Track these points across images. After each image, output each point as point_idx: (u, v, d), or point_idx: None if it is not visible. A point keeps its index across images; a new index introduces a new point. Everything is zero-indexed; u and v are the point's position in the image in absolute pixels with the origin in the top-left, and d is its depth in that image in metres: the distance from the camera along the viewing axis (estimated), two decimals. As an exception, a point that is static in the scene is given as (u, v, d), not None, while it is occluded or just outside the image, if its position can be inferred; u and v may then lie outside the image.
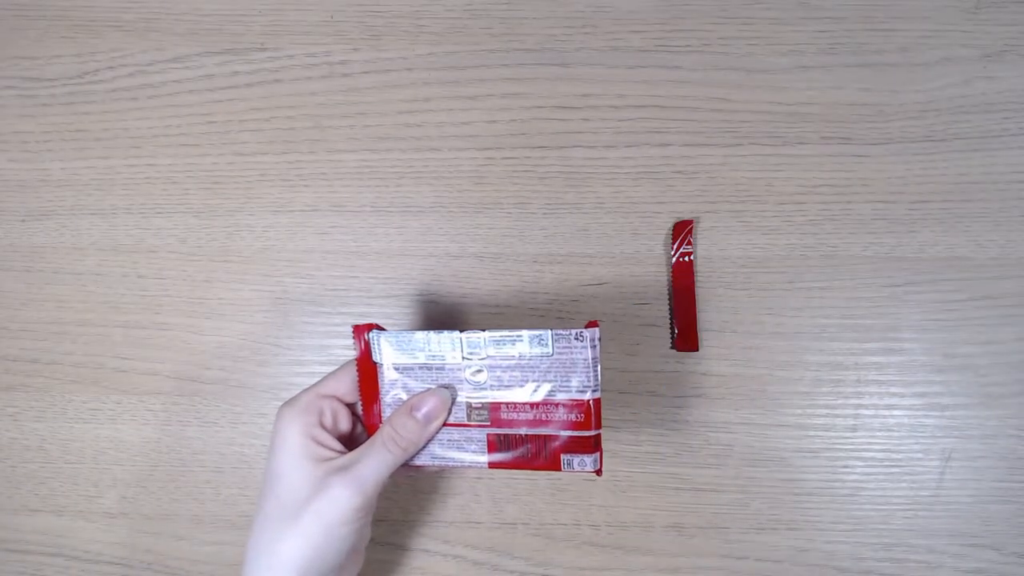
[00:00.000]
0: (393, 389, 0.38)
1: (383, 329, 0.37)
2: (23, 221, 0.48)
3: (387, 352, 0.37)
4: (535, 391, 0.36)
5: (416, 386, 0.37)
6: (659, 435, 0.46)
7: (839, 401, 0.45)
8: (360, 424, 0.39)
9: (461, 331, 0.36)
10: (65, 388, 0.48)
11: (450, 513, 0.47)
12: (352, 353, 0.38)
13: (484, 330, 0.36)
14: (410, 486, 0.47)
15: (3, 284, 0.48)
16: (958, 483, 0.45)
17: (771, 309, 0.45)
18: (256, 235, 0.47)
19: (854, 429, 0.45)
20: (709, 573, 0.45)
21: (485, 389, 0.37)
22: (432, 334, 0.37)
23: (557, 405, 0.36)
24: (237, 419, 0.47)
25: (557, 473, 0.37)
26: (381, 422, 0.38)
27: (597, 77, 0.46)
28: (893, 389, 0.45)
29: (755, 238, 0.45)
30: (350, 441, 0.39)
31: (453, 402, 0.37)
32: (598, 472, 0.37)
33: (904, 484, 0.45)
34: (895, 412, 0.45)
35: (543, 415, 0.36)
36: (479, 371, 0.37)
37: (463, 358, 0.37)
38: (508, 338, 0.36)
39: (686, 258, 0.45)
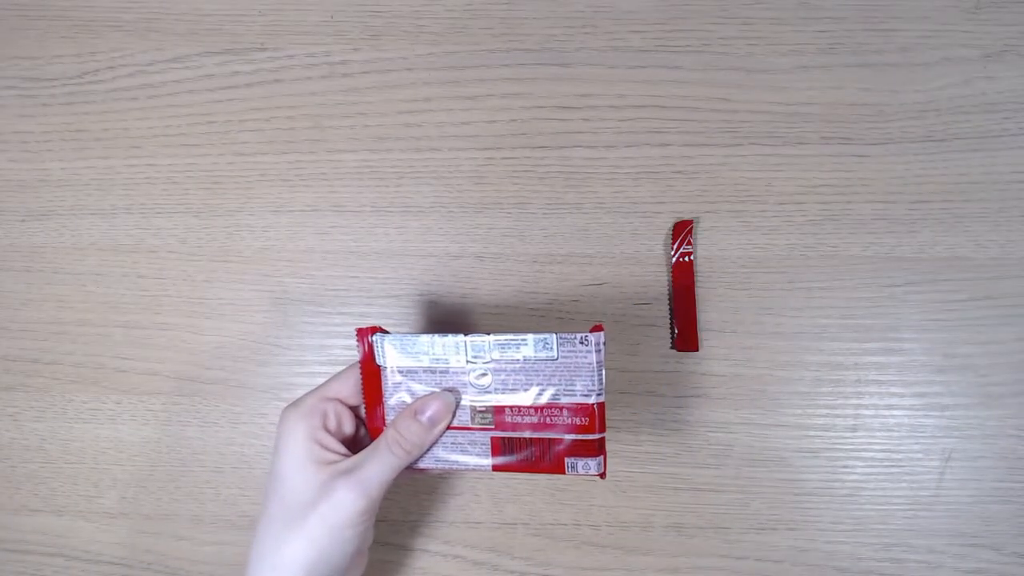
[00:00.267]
0: (397, 392, 0.38)
1: (387, 332, 0.37)
2: (23, 221, 0.48)
3: (391, 355, 0.37)
4: (539, 395, 0.36)
5: (420, 389, 0.37)
6: (659, 435, 0.46)
7: (839, 401, 0.45)
8: (363, 427, 0.39)
9: (465, 334, 0.36)
10: (65, 388, 0.48)
11: (450, 513, 0.47)
12: (355, 355, 0.38)
13: (489, 333, 0.36)
14: (410, 486, 0.47)
15: (3, 284, 0.48)
16: (958, 483, 0.45)
17: (771, 309, 0.45)
18: (256, 235, 0.47)
19: (854, 429, 0.45)
20: (709, 573, 0.45)
21: (489, 392, 0.37)
22: (436, 337, 0.37)
23: (561, 409, 0.36)
24: (237, 419, 0.47)
25: (561, 475, 0.37)
26: (385, 425, 0.38)
27: (597, 77, 0.46)
28: (893, 389, 0.45)
29: (755, 238, 0.45)
30: (354, 444, 0.39)
31: (457, 405, 0.37)
32: (602, 475, 0.37)
33: (904, 484, 0.45)
34: (895, 412, 0.45)
35: (547, 418, 0.36)
36: (483, 375, 0.37)
37: (467, 361, 0.37)
38: (513, 342, 0.36)
39: (686, 258, 0.45)
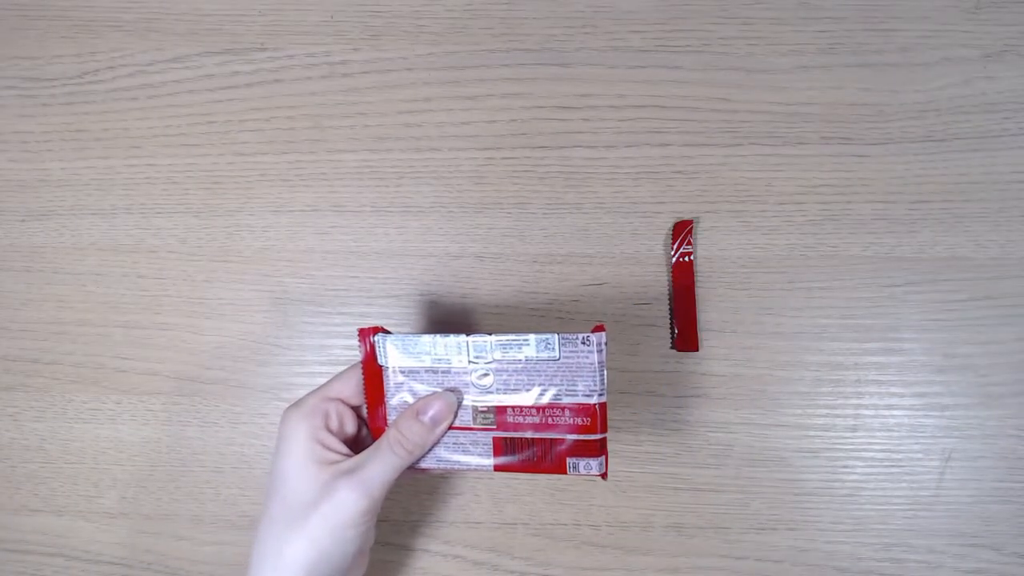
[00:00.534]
0: (399, 392, 0.38)
1: (388, 332, 0.37)
2: (23, 221, 0.48)
3: (392, 355, 0.37)
4: (541, 395, 0.36)
5: (422, 389, 0.37)
6: (659, 435, 0.46)
7: (839, 401, 0.45)
8: (365, 427, 0.39)
9: (467, 335, 0.36)
10: (65, 388, 0.48)
11: (450, 513, 0.47)
12: (356, 355, 0.38)
13: (491, 334, 0.36)
14: (411, 486, 0.47)
15: (3, 284, 0.48)
16: (958, 483, 0.45)
17: (771, 309, 0.45)
18: (256, 235, 0.47)
19: (854, 429, 0.45)
20: (709, 573, 0.45)
21: (491, 393, 0.37)
22: (438, 337, 0.37)
23: (563, 409, 0.36)
24: (237, 419, 0.47)
25: (562, 475, 0.37)
26: (387, 425, 0.38)
27: (597, 77, 0.46)
28: (893, 389, 0.45)
29: (755, 238, 0.45)
30: (355, 444, 0.39)
31: (459, 405, 0.37)
32: (603, 476, 0.37)
33: (904, 484, 0.45)
34: (895, 412, 0.45)
35: (549, 419, 0.36)
36: (485, 375, 0.37)
37: (469, 362, 0.37)
38: (515, 342, 0.36)
39: (686, 258, 0.45)
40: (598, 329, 0.35)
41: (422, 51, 0.47)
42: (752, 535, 0.45)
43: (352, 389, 0.38)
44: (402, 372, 0.37)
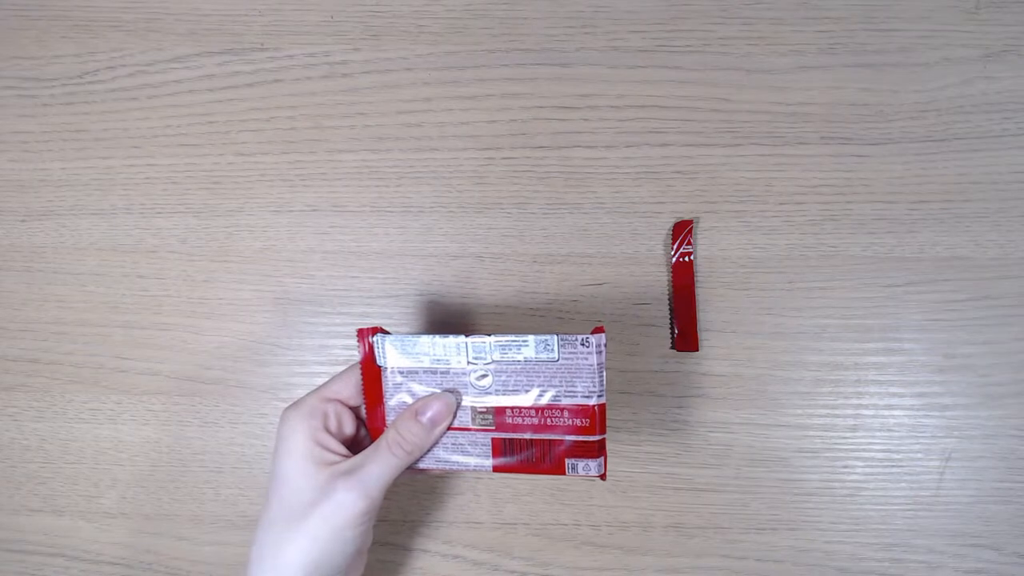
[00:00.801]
0: (397, 393, 0.38)
1: (387, 333, 0.37)
2: (23, 221, 0.48)
3: (391, 356, 0.37)
4: (540, 396, 0.36)
5: (420, 390, 0.37)
6: (659, 435, 0.46)
7: (839, 401, 0.45)
8: (364, 428, 0.39)
9: (466, 335, 0.36)
10: (65, 388, 0.48)
11: (450, 513, 0.47)
12: (355, 355, 0.38)
13: (490, 335, 0.36)
14: (410, 486, 0.47)
15: (3, 284, 0.48)
16: (958, 483, 0.45)
17: (771, 309, 0.45)
18: (256, 235, 0.47)
19: (854, 429, 0.45)
20: (709, 573, 0.45)
21: (490, 394, 0.37)
22: (437, 338, 0.36)
23: (562, 410, 0.36)
24: (237, 419, 0.47)
25: (561, 476, 0.37)
26: (385, 426, 0.38)
27: (597, 77, 0.46)
28: (893, 389, 0.45)
29: (755, 238, 0.45)
30: (354, 445, 0.39)
31: (458, 406, 0.37)
32: (602, 477, 0.37)
33: (904, 484, 0.45)
34: (895, 412, 0.45)
35: (548, 420, 0.36)
36: (484, 376, 0.37)
37: (468, 363, 0.37)
38: (514, 343, 0.36)
39: (686, 258, 0.45)
40: (598, 331, 0.35)
41: (422, 51, 0.47)
42: (752, 535, 0.45)
43: (351, 390, 0.38)
44: (401, 373, 0.37)
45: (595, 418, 0.36)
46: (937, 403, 0.45)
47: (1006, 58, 0.45)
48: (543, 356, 0.36)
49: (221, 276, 0.47)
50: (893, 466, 0.45)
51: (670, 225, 0.46)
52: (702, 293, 0.45)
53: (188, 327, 0.47)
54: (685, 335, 0.45)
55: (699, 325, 0.45)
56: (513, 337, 0.36)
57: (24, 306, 0.48)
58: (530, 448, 0.37)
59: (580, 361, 0.35)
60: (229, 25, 0.47)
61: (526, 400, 0.36)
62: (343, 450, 0.36)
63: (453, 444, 0.38)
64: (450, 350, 0.36)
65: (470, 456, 0.38)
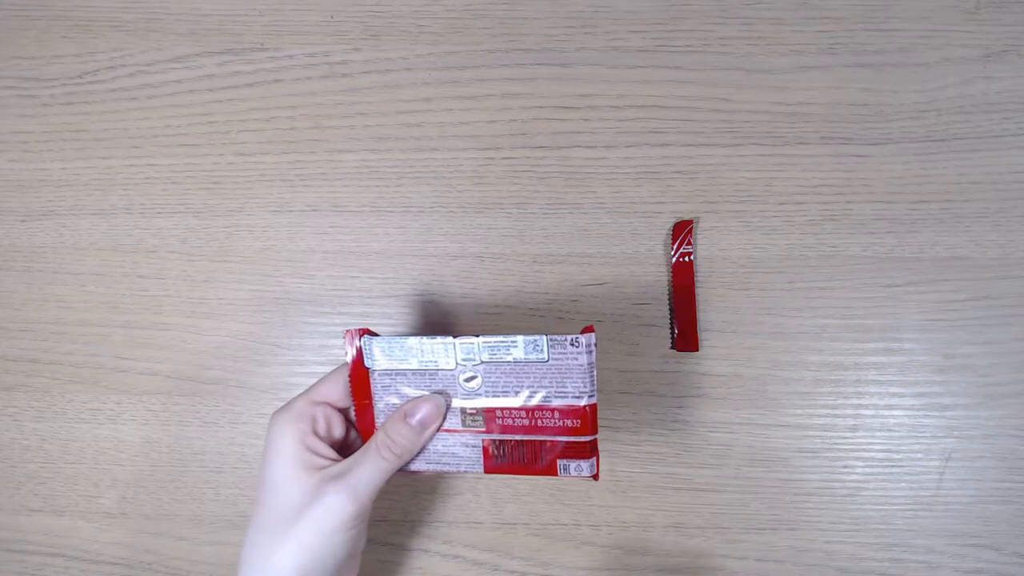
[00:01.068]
0: (386, 395, 0.37)
1: (375, 334, 0.37)
2: (23, 221, 0.48)
3: (379, 358, 0.37)
4: (530, 397, 0.36)
5: (410, 392, 0.37)
6: (659, 435, 0.46)
7: (839, 401, 0.45)
8: (354, 430, 0.39)
9: (454, 336, 0.36)
10: (65, 388, 0.48)
11: (450, 513, 0.47)
12: (344, 356, 0.38)
13: (478, 335, 0.36)
14: (409, 487, 0.47)
15: (3, 284, 0.48)
16: (958, 483, 0.45)
17: (771, 309, 0.45)
18: (256, 235, 0.47)
19: (854, 429, 0.45)
20: (709, 573, 0.45)
21: (479, 395, 0.37)
22: (425, 340, 0.36)
23: (552, 411, 0.36)
24: (237, 419, 0.47)
25: (554, 477, 0.37)
26: (375, 428, 0.38)
27: (597, 77, 0.46)
28: (893, 389, 0.45)
29: (755, 238, 0.45)
30: (344, 447, 0.38)
31: (448, 408, 0.37)
32: (595, 477, 0.37)
33: (904, 484, 0.45)
34: (895, 412, 0.45)
35: (538, 420, 0.36)
36: (473, 377, 0.36)
37: (457, 364, 0.36)
38: (502, 344, 0.36)
39: (686, 258, 0.45)
40: (587, 330, 0.35)
41: (422, 51, 0.47)
42: (752, 535, 0.45)
43: (339, 392, 0.38)
44: (389, 374, 0.37)
45: (586, 418, 0.36)
46: (937, 403, 0.45)
47: (1006, 58, 0.45)
48: (532, 357, 0.35)
49: (221, 276, 0.47)
50: (893, 466, 0.45)
51: (670, 225, 0.46)
52: (702, 293, 0.45)
53: (188, 327, 0.47)
54: (685, 335, 0.45)
55: (699, 325, 0.45)
56: (502, 338, 0.36)
57: (24, 306, 0.48)
58: (521, 449, 0.37)
59: (570, 361, 0.35)
60: (229, 25, 0.47)
61: (516, 401, 0.36)
62: (332, 454, 0.36)
63: (444, 445, 0.37)
64: (438, 351, 0.36)
65: (462, 457, 0.37)
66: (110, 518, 0.48)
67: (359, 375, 0.37)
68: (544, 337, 0.35)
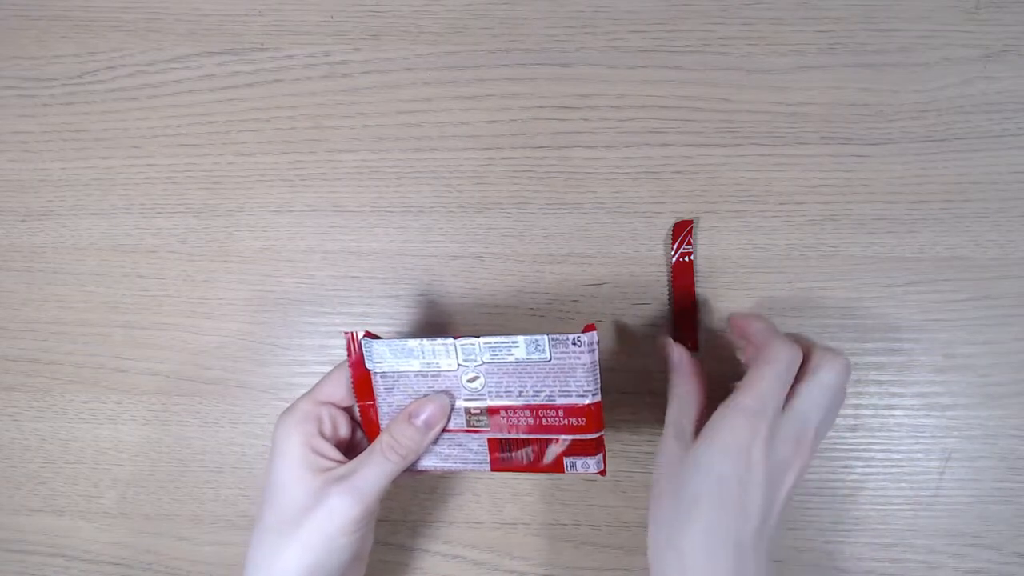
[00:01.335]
0: (389, 397, 0.37)
1: (376, 336, 0.37)
2: (23, 221, 0.48)
3: (381, 360, 0.37)
4: (534, 396, 0.36)
5: (412, 393, 0.37)
6: (659, 435, 0.45)
7: (839, 401, 0.45)
8: (360, 429, 0.39)
9: (456, 337, 0.36)
10: (65, 388, 0.48)
11: (450, 513, 0.47)
12: (345, 356, 0.38)
13: (479, 336, 0.36)
14: (410, 486, 0.47)
15: (3, 284, 0.48)
16: (958, 483, 0.45)
17: (771, 309, 0.45)
18: (256, 235, 0.47)
19: (854, 429, 0.45)
20: (709, 573, 0.45)
21: (483, 395, 0.37)
22: (426, 341, 0.36)
23: (557, 409, 0.36)
24: (237, 419, 0.47)
25: (561, 474, 0.37)
26: (379, 429, 0.38)
27: (597, 77, 0.46)
28: (893, 389, 0.45)
29: (755, 238, 0.45)
30: (350, 447, 0.38)
31: (452, 408, 0.37)
32: (602, 473, 0.37)
33: (904, 484, 0.45)
34: (895, 412, 0.45)
35: (543, 419, 0.36)
36: (476, 377, 0.36)
37: (459, 364, 0.36)
38: (504, 344, 0.36)
39: (686, 258, 0.45)
40: (589, 328, 0.35)
41: (422, 51, 0.47)
42: (752, 535, 0.45)
43: (342, 391, 0.38)
44: (392, 376, 0.37)
45: (591, 416, 0.36)
46: (937, 403, 0.45)
47: (1006, 58, 0.45)
48: (534, 357, 0.35)
49: (221, 276, 0.47)
50: (893, 466, 0.45)
51: (670, 225, 0.46)
52: (702, 293, 0.45)
53: (188, 327, 0.47)
54: (685, 335, 0.45)
55: (699, 325, 0.45)
56: (503, 338, 0.35)
57: (24, 306, 0.48)
58: (527, 447, 0.37)
59: (573, 360, 0.35)
60: (229, 25, 0.47)
61: (519, 401, 0.36)
62: (338, 455, 0.36)
63: (450, 445, 0.38)
64: (439, 352, 0.36)
65: (468, 457, 0.38)
66: (110, 518, 0.48)
67: (361, 377, 0.37)
68: (546, 337, 0.35)
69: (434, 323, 0.46)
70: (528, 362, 0.36)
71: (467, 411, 0.37)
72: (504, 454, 0.37)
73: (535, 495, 0.46)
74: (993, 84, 0.45)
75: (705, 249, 0.45)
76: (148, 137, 0.48)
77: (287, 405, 0.38)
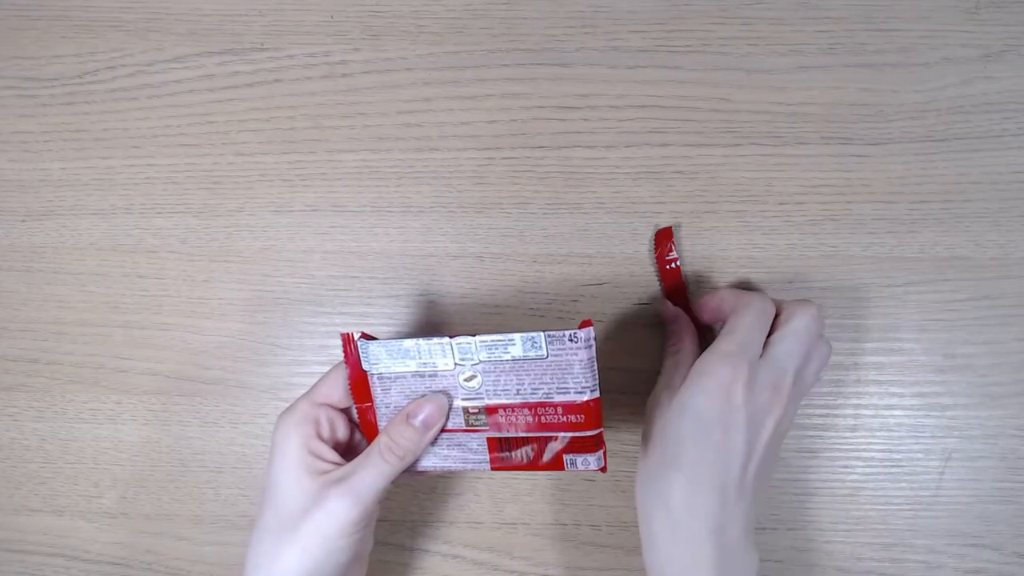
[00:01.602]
0: (386, 398, 0.37)
1: (372, 338, 0.37)
2: (23, 221, 0.48)
3: (377, 361, 0.37)
4: (532, 394, 0.36)
5: (410, 394, 0.37)
6: (659, 435, 0.45)
7: (839, 401, 0.45)
8: (358, 430, 0.39)
9: (452, 336, 0.36)
10: (65, 388, 0.48)
11: (450, 513, 0.47)
12: (342, 357, 0.38)
13: (475, 335, 0.36)
14: (410, 486, 0.47)
15: (3, 284, 0.48)
16: (958, 483, 0.45)
17: (771, 309, 0.45)
18: (256, 235, 0.47)
19: (854, 429, 0.45)
20: (709, 573, 0.45)
21: (480, 394, 0.36)
22: (422, 341, 0.36)
23: (555, 407, 0.36)
24: (237, 419, 0.47)
25: (560, 472, 0.37)
26: (377, 430, 0.38)
27: (597, 77, 0.46)
28: (893, 389, 0.45)
29: (755, 238, 0.45)
30: (349, 449, 0.38)
31: (450, 407, 0.37)
32: (603, 469, 0.37)
33: (904, 484, 0.45)
34: (895, 412, 0.45)
35: (542, 417, 0.36)
36: (473, 376, 0.36)
37: (456, 364, 0.36)
38: (500, 342, 0.35)
39: (672, 265, 0.44)
40: (585, 324, 0.35)
41: (422, 51, 0.47)
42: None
43: (340, 392, 0.37)
44: (388, 377, 0.37)
45: (590, 413, 0.36)
46: (937, 403, 0.45)
47: (1006, 58, 0.45)
48: (531, 354, 0.35)
49: (221, 276, 0.47)
50: (893, 466, 0.45)
51: (665, 227, 0.45)
52: (702, 293, 0.45)
53: (188, 327, 0.47)
54: None
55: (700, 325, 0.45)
56: (499, 336, 0.35)
57: (24, 306, 0.48)
58: (526, 446, 0.37)
59: (570, 357, 0.35)
60: (229, 25, 0.47)
61: (517, 399, 0.36)
62: (336, 457, 0.36)
63: (449, 445, 0.37)
64: (435, 352, 0.36)
65: (467, 456, 0.37)
66: (110, 518, 0.48)
67: (358, 378, 0.37)
68: (542, 334, 0.35)
69: (434, 323, 0.46)
70: (525, 360, 0.35)
71: (465, 410, 0.37)
72: (503, 453, 0.37)
73: (535, 495, 0.46)
74: (993, 84, 0.45)
75: (705, 249, 0.45)
76: (148, 137, 0.48)
77: (287, 405, 0.38)
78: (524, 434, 0.37)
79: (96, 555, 0.48)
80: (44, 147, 0.48)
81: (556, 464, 0.37)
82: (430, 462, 0.38)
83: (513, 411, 0.36)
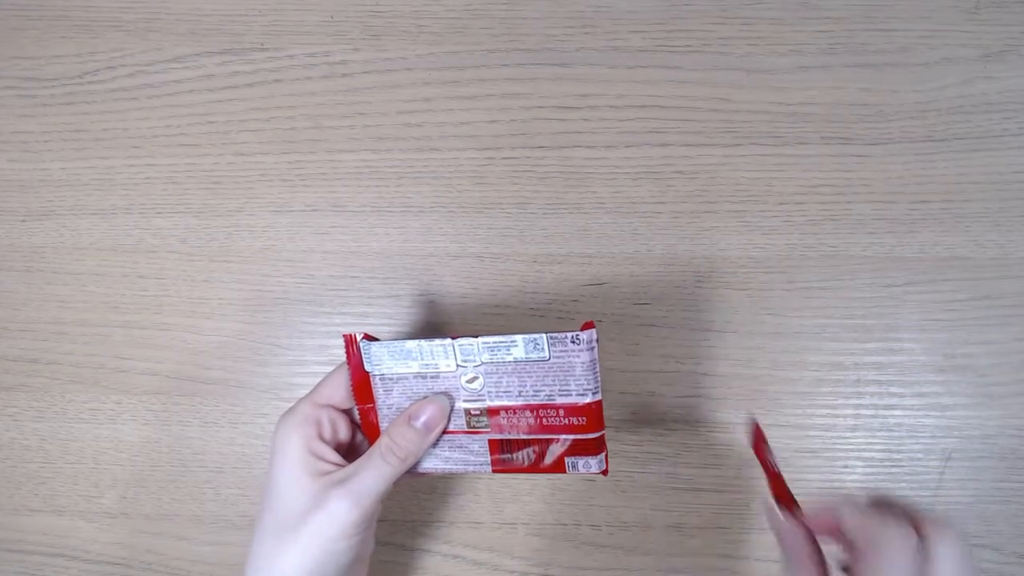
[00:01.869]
0: (388, 399, 0.37)
1: (374, 339, 0.37)
2: (23, 221, 0.48)
3: (379, 362, 0.37)
4: (534, 396, 0.36)
5: (412, 395, 0.37)
6: (659, 435, 0.46)
7: (839, 401, 0.45)
8: (360, 431, 0.39)
9: (453, 338, 0.36)
10: (65, 388, 0.48)
11: (450, 513, 0.47)
12: (344, 358, 0.38)
13: (477, 336, 0.36)
14: (410, 487, 0.47)
15: (3, 284, 0.48)
16: (958, 483, 0.45)
17: (771, 309, 0.45)
18: (256, 235, 0.47)
19: (854, 429, 0.45)
20: (709, 573, 0.45)
21: (482, 396, 0.36)
22: (424, 343, 0.36)
23: (557, 409, 0.36)
24: (237, 419, 0.47)
25: (562, 474, 0.37)
26: (379, 431, 0.37)
27: (597, 77, 0.46)
28: (893, 389, 0.45)
29: (755, 238, 0.45)
30: (351, 450, 0.38)
31: (452, 409, 0.37)
32: (604, 472, 0.37)
33: (904, 484, 0.45)
34: (895, 412, 0.45)
35: (544, 419, 0.36)
36: (475, 378, 0.36)
37: (457, 365, 0.36)
38: (502, 344, 0.35)
39: (775, 467, 0.38)
40: (587, 326, 0.35)
41: (422, 51, 0.47)
42: (752, 535, 0.45)
43: (342, 393, 0.37)
44: (391, 379, 0.37)
45: (592, 415, 0.36)
46: (937, 403, 0.45)
47: (1006, 58, 0.45)
48: (533, 356, 0.35)
49: (221, 276, 0.47)
50: (893, 466, 0.45)
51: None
52: (702, 293, 0.45)
53: (188, 327, 0.47)
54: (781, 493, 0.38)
55: (699, 325, 0.45)
56: (501, 338, 0.35)
57: (24, 306, 0.48)
58: (528, 448, 0.37)
59: (572, 359, 0.35)
60: (229, 25, 0.47)
61: (519, 401, 0.36)
62: (337, 459, 0.36)
63: (450, 447, 0.37)
64: (437, 353, 0.36)
65: (469, 458, 0.37)
66: (110, 518, 0.48)
67: (360, 379, 0.37)
68: (544, 335, 0.35)
69: (434, 323, 0.46)
70: (527, 361, 0.35)
71: (467, 412, 0.37)
72: (505, 455, 0.37)
73: (535, 495, 0.46)
74: (993, 84, 0.45)
75: (705, 249, 0.45)
76: (148, 137, 0.48)
77: (287, 405, 0.38)
78: (526, 436, 0.36)
79: (96, 555, 0.48)
80: (44, 147, 0.48)
81: (558, 467, 0.36)
82: (431, 464, 0.38)
83: (515, 413, 0.36)
